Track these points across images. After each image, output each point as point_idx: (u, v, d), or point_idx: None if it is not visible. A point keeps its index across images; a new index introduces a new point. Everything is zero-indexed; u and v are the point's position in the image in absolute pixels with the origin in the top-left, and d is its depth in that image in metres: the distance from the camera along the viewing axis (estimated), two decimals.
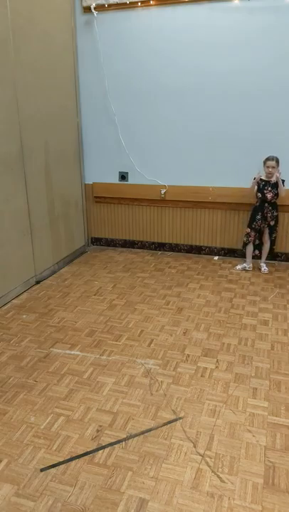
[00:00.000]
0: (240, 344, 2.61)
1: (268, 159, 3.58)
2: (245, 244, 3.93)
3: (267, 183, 3.65)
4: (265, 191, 3.65)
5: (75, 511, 1.49)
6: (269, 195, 3.65)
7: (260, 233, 3.86)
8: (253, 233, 3.82)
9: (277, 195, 3.66)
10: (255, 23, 3.55)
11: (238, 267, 3.95)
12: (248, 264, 3.94)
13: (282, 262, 4.10)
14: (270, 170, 3.58)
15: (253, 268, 3.95)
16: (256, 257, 3.99)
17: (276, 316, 2.98)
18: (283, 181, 3.62)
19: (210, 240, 4.30)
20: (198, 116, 3.94)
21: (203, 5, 3.63)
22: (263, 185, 3.66)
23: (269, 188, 3.64)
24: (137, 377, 2.27)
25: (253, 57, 3.63)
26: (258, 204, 3.75)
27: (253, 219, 3.79)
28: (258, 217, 3.74)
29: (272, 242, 3.87)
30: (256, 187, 3.70)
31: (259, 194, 3.70)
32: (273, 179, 3.62)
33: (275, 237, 3.86)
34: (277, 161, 3.57)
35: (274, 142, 3.76)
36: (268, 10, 3.49)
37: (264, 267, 3.87)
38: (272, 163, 3.56)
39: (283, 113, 3.70)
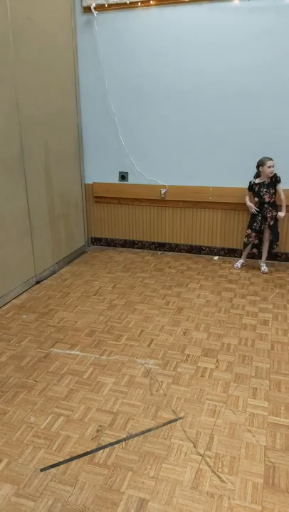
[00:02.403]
0: (240, 344, 2.61)
1: (269, 159, 3.60)
2: (245, 245, 3.95)
3: (262, 184, 3.67)
4: (262, 193, 3.67)
5: (75, 511, 1.49)
6: (266, 197, 3.66)
7: (260, 233, 3.86)
8: (253, 234, 3.82)
9: (274, 194, 3.68)
10: (255, 23, 3.55)
11: (238, 264, 3.97)
12: (243, 260, 4.01)
13: (282, 262, 4.10)
14: (272, 169, 3.61)
15: (253, 268, 3.95)
16: (256, 257, 4.00)
17: (276, 316, 2.98)
18: (279, 178, 3.69)
19: (210, 239, 4.30)
20: (198, 116, 3.94)
21: (203, 5, 3.63)
22: (258, 187, 3.68)
23: (265, 190, 3.66)
24: (137, 377, 2.27)
25: (253, 57, 3.63)
26: (257, 205, 3.76)
27: (253, 219, 3.80)
28: (259, 217, 3.75)
29: (273, 243, 3.86)
30: (249, 197, 3.81)
31: (256, 198, 3.73)
32: (281, 215, 3.72)
33: (275, 237, 3.84)
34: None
35: (274, 142, 3.76)
36: (268, 10, 3.49)
37: (264, 267, 3.87)
38: (273, 162, 3.60)
39: (283, 113, 3.70)
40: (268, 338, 2.68)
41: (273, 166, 3.61)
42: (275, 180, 3.67)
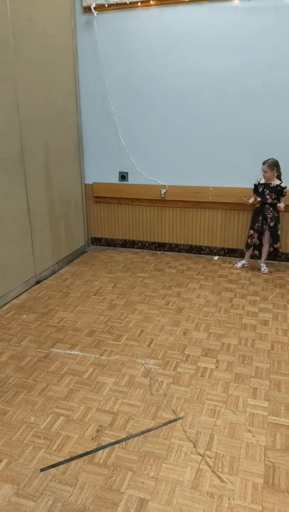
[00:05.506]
0: (240, 344, 2.61)
1: (263, 163, 3.62)
2: (249, 246, 3.92)
3: (266, 186, 3.66)
4: (265, 193, 3.67)
5: (75, 511, 1.49)
6: (269, 198, 3.66)
7: (262, 234, 3.85)
8: (256, 234, 3.80)
9: (276, 199, 3.67)
10: (255, 23, 3.55)
11: (238, 265, 3.97)
12: (246, 261, 3.99)
13: (282, 262, 4.10)
14: (262, 174, 3.64)
15: (253, 268, 3.95)
16: (256, 257, 4.00)
17: (276, 316, 2.98)
18: (285, 187, 3.65)
19: (210, 240, 4.30)
20: (198, 116, 3.94)
21: (203, 5, 3.63)
22: (262, 188, 3.68)
23: (268, 191, 3.65)
24: (137, 377, 2.27)
25: (253, 57, 3.63)
26: (258, 205, 3.77)
27: (255, 220, 3.79)
28: (260, 218, 3.74)
29: (274, 243, 3.83)
30: (253, 197, 3.80)
31: (259, 197, 3.73)
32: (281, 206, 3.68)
33: (275, 239, 3.82)
34: (270, 165, 3.57)
35: (274, 142, 3.76)
36: (267, 10, 3.49)
37: (264, 267, 3.87)
38: (263, 167, 3.61)
39: (283, 113, 3.69)
40: (268, 338, 2.68)
41: (264, 172, 3.60)
42: (280, 191, 3.64)
